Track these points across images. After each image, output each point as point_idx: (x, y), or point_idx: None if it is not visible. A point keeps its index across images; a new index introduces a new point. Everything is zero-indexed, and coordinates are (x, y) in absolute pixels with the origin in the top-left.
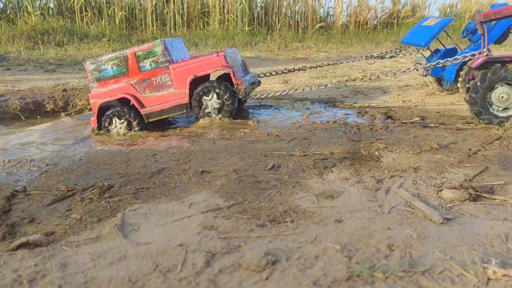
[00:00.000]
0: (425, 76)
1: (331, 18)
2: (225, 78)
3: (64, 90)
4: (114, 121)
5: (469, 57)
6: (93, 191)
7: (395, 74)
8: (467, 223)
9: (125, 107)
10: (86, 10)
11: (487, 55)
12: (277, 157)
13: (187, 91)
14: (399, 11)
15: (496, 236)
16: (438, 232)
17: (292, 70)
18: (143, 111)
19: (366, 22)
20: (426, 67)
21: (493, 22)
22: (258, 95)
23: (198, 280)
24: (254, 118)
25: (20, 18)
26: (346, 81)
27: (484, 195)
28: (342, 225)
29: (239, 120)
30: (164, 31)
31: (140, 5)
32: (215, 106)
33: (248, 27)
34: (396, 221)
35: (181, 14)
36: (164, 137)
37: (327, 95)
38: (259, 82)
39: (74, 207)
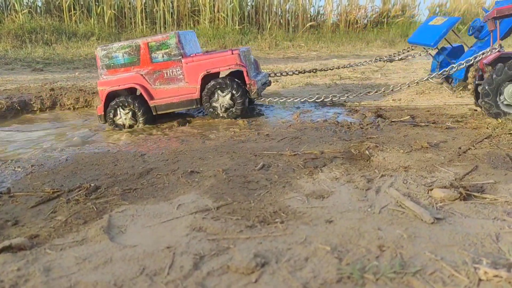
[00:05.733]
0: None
1: (322, 17)
2: (236, 76)
3: (52, 89)
4: (118, 111)
5: (479, 56)
6: (79, 193)
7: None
8: (457, 222)
9: (130, 97)
10: (74, 9)
11: (499, 51)
12: (267, 156)
13: (199, 86)
14: (389, 10)
15: (487, 235)
16: (429, 232)
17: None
18: (151, 103)
19: (357, 21)
20: (432, 76)
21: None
22: None
23: (186, 283)
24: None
25: (7, 16)
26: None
27: (475, 194)
28: (332, 226)
29: (229, 119)
30: (154, 30)
31: (130, 3)
32: (225, 105)
33: (238, 26)
34: (386, 221)
35: (171, 13)
36: (152, 137)
37: (317, 94)
38: (270, 82)
39: (60, 209)
